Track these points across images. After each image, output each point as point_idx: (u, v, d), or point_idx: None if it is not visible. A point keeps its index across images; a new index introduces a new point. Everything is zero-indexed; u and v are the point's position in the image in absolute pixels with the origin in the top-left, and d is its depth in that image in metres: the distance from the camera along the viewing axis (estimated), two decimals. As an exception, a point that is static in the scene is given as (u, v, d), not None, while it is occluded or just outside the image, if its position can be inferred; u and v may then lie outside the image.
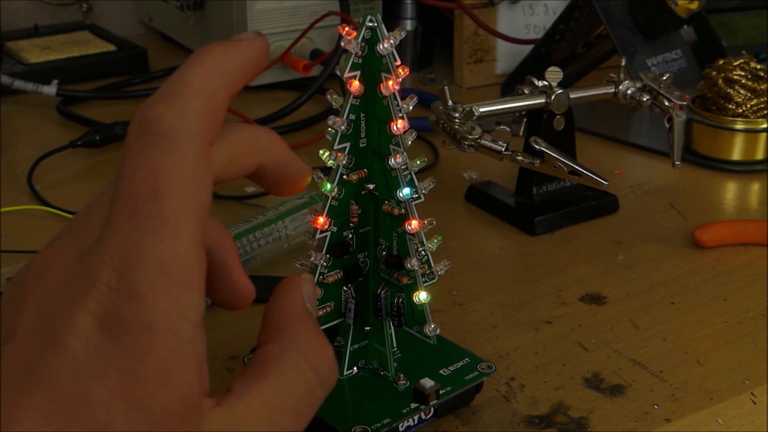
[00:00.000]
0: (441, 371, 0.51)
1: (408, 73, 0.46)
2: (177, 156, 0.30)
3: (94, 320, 0.29)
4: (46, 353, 0.29)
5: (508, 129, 0.69)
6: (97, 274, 0.30)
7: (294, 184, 0.37)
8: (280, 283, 0.37)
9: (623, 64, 0.74)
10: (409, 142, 0.46)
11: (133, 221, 0.30)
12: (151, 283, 0.29)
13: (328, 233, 0.47)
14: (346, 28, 0.45)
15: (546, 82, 0.71)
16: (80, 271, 0.30)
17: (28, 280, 0.31)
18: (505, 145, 0.67)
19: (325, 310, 0.49)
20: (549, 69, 0.71)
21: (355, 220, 0.48)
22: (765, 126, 0.81)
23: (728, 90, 0.82)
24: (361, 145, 0.47)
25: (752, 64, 0.83)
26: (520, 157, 0.68)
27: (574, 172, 0.68)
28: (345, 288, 0.49)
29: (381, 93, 0.46)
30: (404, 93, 0.92)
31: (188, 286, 0.30)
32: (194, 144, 0.31)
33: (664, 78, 0.73)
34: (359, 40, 0.45)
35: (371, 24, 0.45)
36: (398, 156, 0.46)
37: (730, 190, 0.80)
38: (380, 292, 0.49)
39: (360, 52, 0.45)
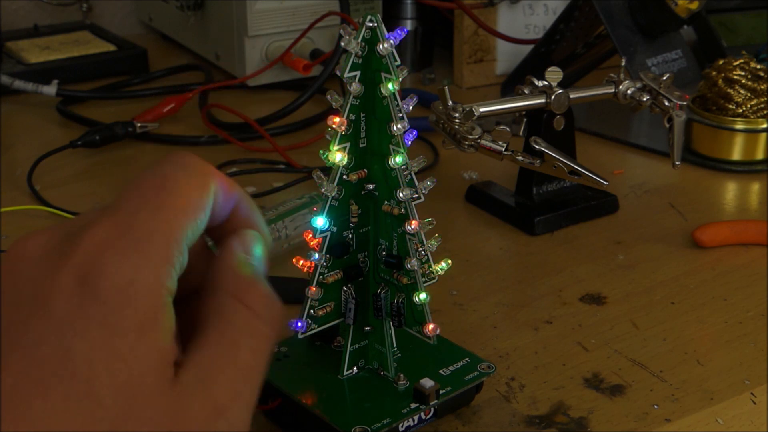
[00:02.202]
0: (441, 371, 0.51)
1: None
2: (188, 173, 0.34)
3: (75, 279, 0.31)
4: (29, 320, 0.31)
5: (508, 129, 0.69)
6: (84, 236, 0.32)
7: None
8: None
9: (623, 64, 0.74)
10: (409, 142, 0.46)
11: (132, 201, 0.33)
12: (137, 246, 0.32)
13: (328, 233, 0.47)
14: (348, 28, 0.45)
15: (546, 82, 0.71)
16: (65, 242, 0.32)
17: (5, 264, 0.33)
18: (505, 145, 0.67)
19: (325, 310, 0.49)
20: (549, 69, 0.71)
21: (355, 220, 0.48)
22: (765, 126, 0.81)
23: (728, 90, 0.82)
24: (361, 145, 0.47)
25: (752, 64, 0.83)
26: (520, 157, 0.68)
27: (574, 172, 0.68)
28: (345, 288, 0.49)
29: (381, 93, 0.46)
30: (404, 93, 0.92)
31: (168, 261, 0.32)
32: (202, 175, 0.35)
33: (664, 78, 0.73)
34: (359, 40, 0.45)
35: (371, 24, 0.45)
36: (398, 156, 0.46)
37: (730, 190, 0.80)
38: (380, 292, 0.49)
39: (360, 52, 0.45)
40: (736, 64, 0.83)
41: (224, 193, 0.36)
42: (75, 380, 0.30)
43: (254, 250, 0.37)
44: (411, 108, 0.46)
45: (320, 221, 0.47)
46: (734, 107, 0.82)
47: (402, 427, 0.48)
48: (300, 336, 0.48)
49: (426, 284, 0.48)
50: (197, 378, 0.32)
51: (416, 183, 0.47)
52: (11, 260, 0.33)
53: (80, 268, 0.31)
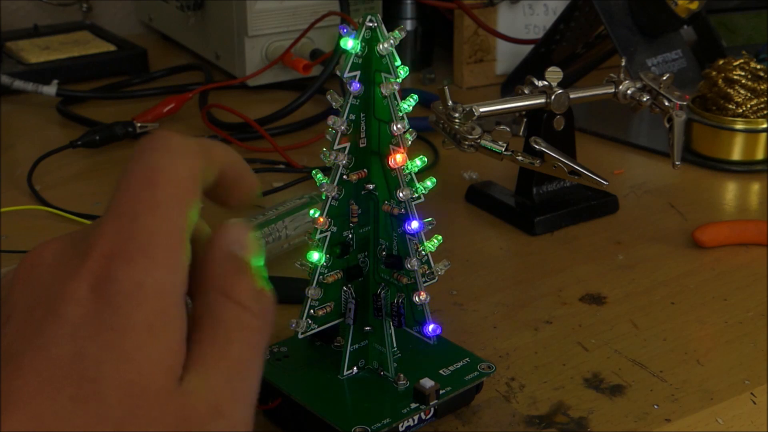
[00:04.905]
0: (441, 371, 0.51)
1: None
2: (173, 158, 0.34)
3: (87, 287, 0.32)
4: (43, 324, 0.31)
5: (508, 129, 0.69)
6: (93, 246, 0.32)
7: (247, 194, 0.39)
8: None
9: (623, 64, 0.74)
10: (409, 142, 0.46)
11: (129, 204, 0.33)
12: (144, 250, 0.32)
13: (328, 233, 0.47)
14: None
15: (546, 82, 0.71)
16: (75, 250, 0.33)
17: (21, 269, 0.34)
18: (505, 145, 0.67)
19: (325, 310, 0.49)
20: (549, 69, 0.71)
21: (355, 220, 0.48)
22: (765, 126, 0.81)
23: (728, 90, 0.82)
24: (361, 145, 0.47)
25: (752, 64, 0.83)
26: (520, 157, 0.68)
27: (574, 172, 0.68)
28: (345, 288, 0.49)
29: (381, 93, 0.46)
30: (404, 93, 0.92)
31: (174, 263, 0.33)
32: (188, 156, 0.35)
33: (664, 78, 0.73)
34: (359, 40, 0.45)
35: (371, 24, 0.45)
36: (398, 156, 0.46)
37: (730, 190, 0.80)
38: (380, 292, 0.49)
39: (360, 52, 0.45)
40: (736, 64, 0.83)
41: (211, 164, 0.36)
42: (83, 381, 0.30)
43: (241, 238, 0.36)
44: (411, 108, 0.46)
45: (320, 220, 0.47)
46: (734, 107, 0.82)
47: (402, 427, 0.48)
48: (300, 336, 0.48)
49: (426, 284, 0.48)
50: (198, 377, 0.32)
51: (416, 183, 0.47)
52: (26, 267, 0.34)
53: (92, 276, 0.32)
